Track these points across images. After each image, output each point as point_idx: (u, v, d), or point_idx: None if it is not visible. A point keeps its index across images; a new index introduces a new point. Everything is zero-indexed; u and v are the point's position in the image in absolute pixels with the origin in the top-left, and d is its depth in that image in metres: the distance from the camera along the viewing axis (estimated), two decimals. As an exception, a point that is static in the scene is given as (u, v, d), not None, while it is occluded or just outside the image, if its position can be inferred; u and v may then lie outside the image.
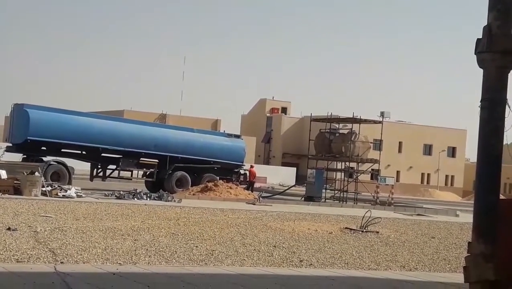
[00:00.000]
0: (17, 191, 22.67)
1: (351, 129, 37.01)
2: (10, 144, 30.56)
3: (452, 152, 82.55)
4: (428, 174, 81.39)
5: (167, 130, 34.55)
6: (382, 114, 60.82)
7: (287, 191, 39.01)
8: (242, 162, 34.78)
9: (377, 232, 17.98)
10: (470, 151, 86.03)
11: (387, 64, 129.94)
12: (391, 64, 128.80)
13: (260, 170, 50.95)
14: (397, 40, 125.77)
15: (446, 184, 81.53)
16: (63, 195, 23.10)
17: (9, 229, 12.79)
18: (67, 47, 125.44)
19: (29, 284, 7.89)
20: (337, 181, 39.54)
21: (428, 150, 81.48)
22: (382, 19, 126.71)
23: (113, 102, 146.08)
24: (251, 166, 37.50)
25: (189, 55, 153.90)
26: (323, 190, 34.64)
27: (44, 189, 23.07)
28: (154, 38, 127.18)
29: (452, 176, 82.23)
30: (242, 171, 34.98)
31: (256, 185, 39.31)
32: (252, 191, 33.55)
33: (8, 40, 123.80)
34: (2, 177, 23.72)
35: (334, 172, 40.36)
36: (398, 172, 76.52)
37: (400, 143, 79.01)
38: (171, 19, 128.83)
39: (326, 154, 37.03)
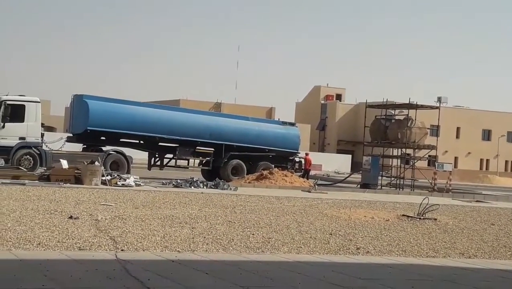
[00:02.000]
0: (78, 180, 23.14)
1: (407, 115, 36.46)
2: (71, 134, 31.27)
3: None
4: (487, 160, 79.72)
5: (222, 118, 34.73)
6: (439, 99, 59.84)
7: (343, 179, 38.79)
8: (297, 150, 34.72)
9: (435, 219, 17.75)
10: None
11: (443, 49, 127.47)
12: (447, 48, 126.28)
13: (315, 157, 50.83)
14: (454, 25, 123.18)
15: (506, 169, 79.71)
16: (122, 184, 23.50)
17: (71, 217, 13.10)
18: (124, 40, 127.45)
19: (91, 271, 8.08)
20: (393, 168, 39.12)
21: (487, 135, 79.79)
22: (438, 4, 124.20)
23: (170, 92, 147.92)
24: (306, 154, 37.43)
25: (243, 44, 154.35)
26: (379, 177, 34.36)
27: (104, 178, 23.45)
28: (208, 27, 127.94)
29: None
30: (297, 159, 34.94)
31: (311, 172, 39.21)
32: (307, 179, 33.51)
33: (66, 33, 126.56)
34: (64, 167, 24.28)
35: (390, 159, 39.91)
36: (456, 158, 75.20)
37: (458, 128, 77.58)
38: (224, 7, 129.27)
39: (381, 141, 36.64)
